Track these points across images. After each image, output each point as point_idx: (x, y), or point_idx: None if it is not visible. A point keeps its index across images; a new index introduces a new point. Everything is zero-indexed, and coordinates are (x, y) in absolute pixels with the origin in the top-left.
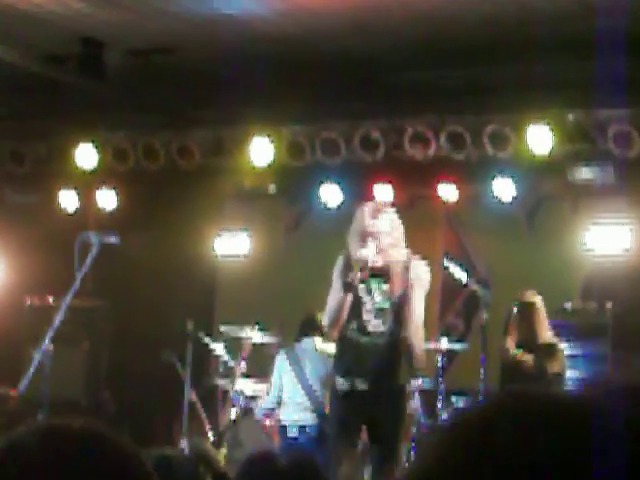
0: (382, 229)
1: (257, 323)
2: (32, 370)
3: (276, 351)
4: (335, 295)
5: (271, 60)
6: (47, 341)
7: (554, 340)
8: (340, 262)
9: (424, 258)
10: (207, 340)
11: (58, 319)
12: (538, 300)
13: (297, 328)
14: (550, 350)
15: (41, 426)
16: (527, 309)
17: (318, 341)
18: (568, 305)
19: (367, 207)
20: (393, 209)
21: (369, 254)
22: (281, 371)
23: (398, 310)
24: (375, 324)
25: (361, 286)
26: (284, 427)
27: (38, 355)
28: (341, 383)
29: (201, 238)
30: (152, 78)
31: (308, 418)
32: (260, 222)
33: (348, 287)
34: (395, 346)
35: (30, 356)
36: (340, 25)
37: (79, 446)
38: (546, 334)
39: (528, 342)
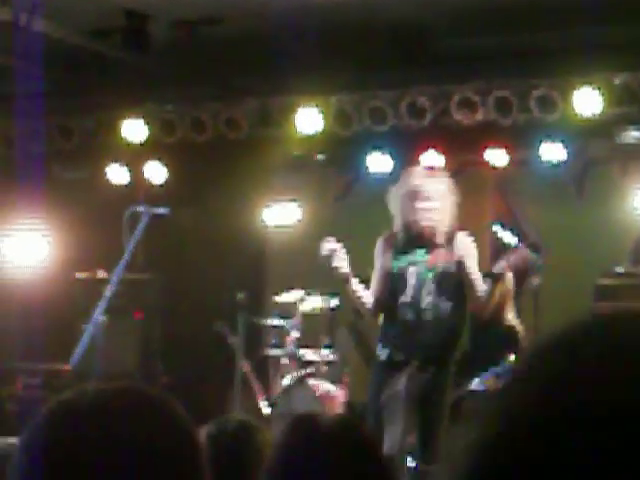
0: (433, 193)
1: (310, 293)
2: (84, 344)
3: (336, 324)
4: (376, 276)
5: (317, 29)
6: (99, 314)
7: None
8: (380, 242)
9: (474, 224)
10: (261, 311)
11: (109, 292)
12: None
13: None
14: None
15: (89, 389)
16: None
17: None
18: (619, 268)
19: (418, 168)
20: (446, 175)
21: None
22: (345, 346)
23: (441, 282)
24: (419, 297)
25: (407, 258)
26: (350, 404)
27: (90, 328)
28: (381, 352)
29: (250, 208)
30: (198, 49)
31: None
32: (309, 191)
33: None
34: (439, 320)
35: (82, 330)
36: None
37: (127, 405)
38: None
39: None
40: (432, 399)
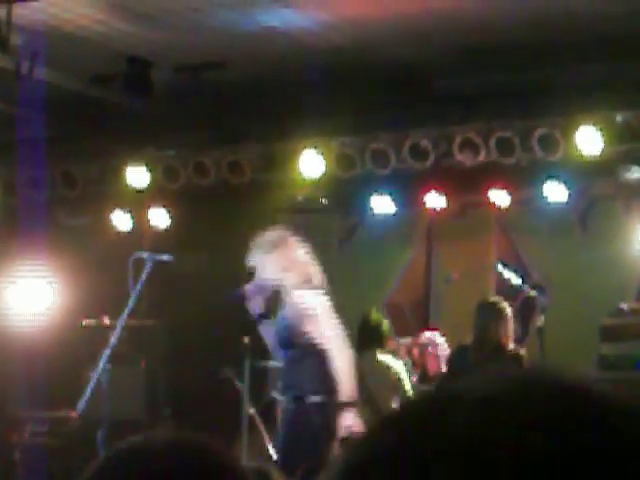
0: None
1: None
2: (90, 390)
3: None
4: None
5: (319, 72)
6: (104, 361)
7: None
8: None
9: (477, 264)
10: (265, 354)
11: (114, 339)
12: None
13: (357, 337)
14: None
15: (133, 442)
16: None
17: (385, 357)
18: (624, 306)
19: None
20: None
21: None
22: None
23: None
24: None
25: None
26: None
27: (96, 375)
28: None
29: None
30: (200, 94)
31: None
32: (313, 234)
33: None
34: None
35: (88, 377)
36: (385, 35)
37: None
38: None
39: None
40: None
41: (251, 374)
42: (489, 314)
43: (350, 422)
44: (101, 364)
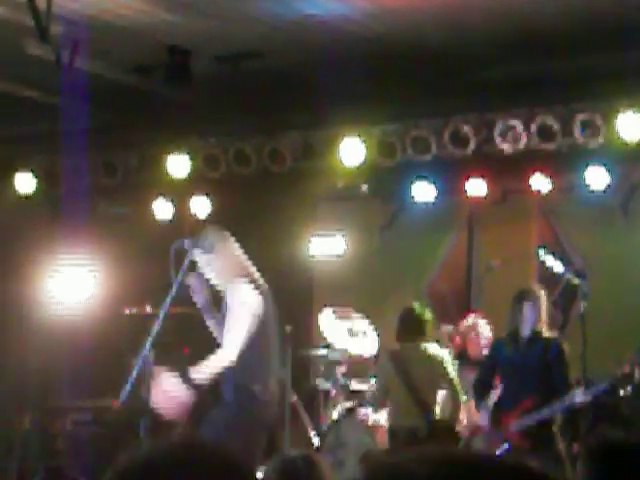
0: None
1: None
2: (133, 380)
3: (379, 352)
4: None
5: (359, 60)
6: (147, 349)
7: None
8: None
9: (519, 250)
10: (307, 342)
11: (157, 327)
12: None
13: (398, 328)
14: None
15: (160, 445)
16: None
17: (430, 347)
18: None
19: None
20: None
21: None
22: (387, 373)
23: None
24: None
25: None
26: (392, 430)
27: (138, 364)
28: None
29: (296, 241)
30: (241, 84)
31: (417, 422)
32: (354, 222)
33: None
34: None
35: (130, 366)
36: (426, 22)
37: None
38: None
39: None
40: None
41: (293, 362)
42: (521, 302)
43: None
44: (143, 353)
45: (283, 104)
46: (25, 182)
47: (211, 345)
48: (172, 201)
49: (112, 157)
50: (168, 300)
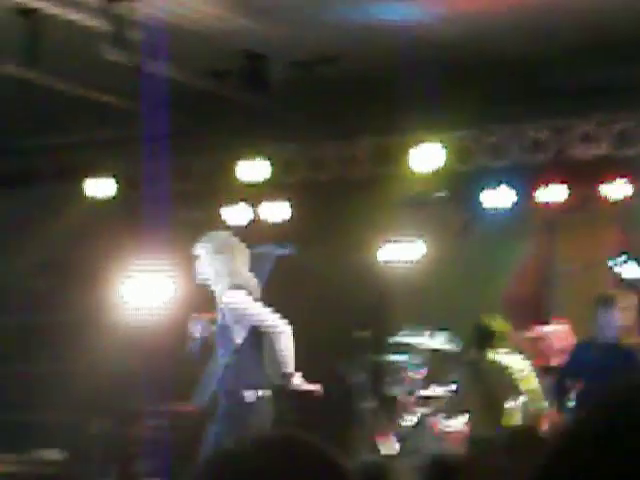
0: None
1: (439, 330)
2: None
3: (457, 360)
4: None
5: (434, 65)
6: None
7: None
8: None
9: (595, 258)
10: (384, 349)
11: None
12: None
13: (473, 337)
14: None
15: (248, 438)
16: None
17: (505, 356)
18: None
19: None
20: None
21: None
22: (465, 383)
23: None
24: None
25: None
26: (472, 440)
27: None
28: None
29: (372, 246)
30: (316, 89)
31: (496, 431)
32: (430, 228)
33: None
34: None
35: (207, 371)
36: (502, 27)
37: (288, 455)
38: None
39: None
40: None
41: (368, 368)
42: (600, 307)
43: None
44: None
45: (359, 109)
46: (103, 187)
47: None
48: (247, 206)
49: (189, 162)
50: None
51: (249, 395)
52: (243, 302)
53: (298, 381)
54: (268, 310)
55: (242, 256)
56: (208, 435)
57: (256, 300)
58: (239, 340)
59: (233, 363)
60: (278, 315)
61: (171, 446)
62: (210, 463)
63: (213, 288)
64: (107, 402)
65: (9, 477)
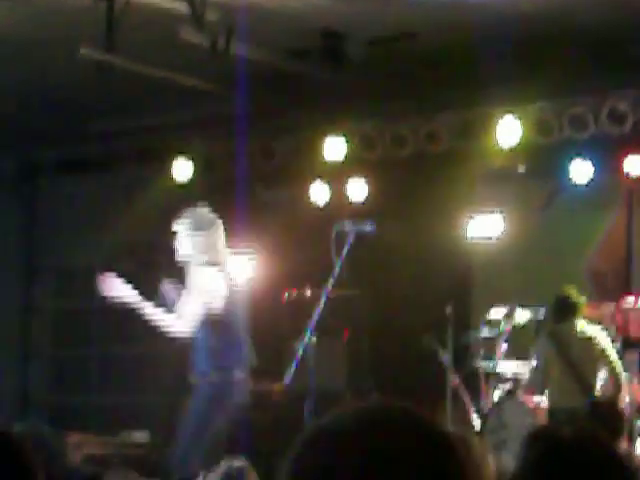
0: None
1: (518, 305)
2: (296, 362)
3: (538, 333)
4: None
5: (514, 38)
6: (309, 333)
7: None
8: None
9: None
10: (467, 324)
11: (318, 310)
12: None
13: (555, 308)
14: None
15: (347, 410)
16: None
17: (587, 327)
18: None
19: None
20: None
21: None
22: (546, 355)
23: None
24: None
25: None
26: (552, 411)
27: (301, 347)
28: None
29: (453, 221)
30: (395, 65)
31: (577, 402)
32: (512, 202)
33: None
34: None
35: (292, 349)
36: None
37: (394, 426)
38: None
39: None
40: None
41: (453, 343)
42: None
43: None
44: (306, 336)
45: (438, 85)
46: (183, 168)
47: (371, 327)
48: (329, 184)
49: (269, 142)
50: (330, 283)
51: (234, 371)
52: (210, 281)
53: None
54: (221, 296)
55: (220, 232)
56: (192, 408)
57: (229, 277)
58: (212, 317)
59: (216, 342)
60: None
61: (256, 426)
62: (311, 439)
63: (191, 263)
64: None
65: (96, 459)
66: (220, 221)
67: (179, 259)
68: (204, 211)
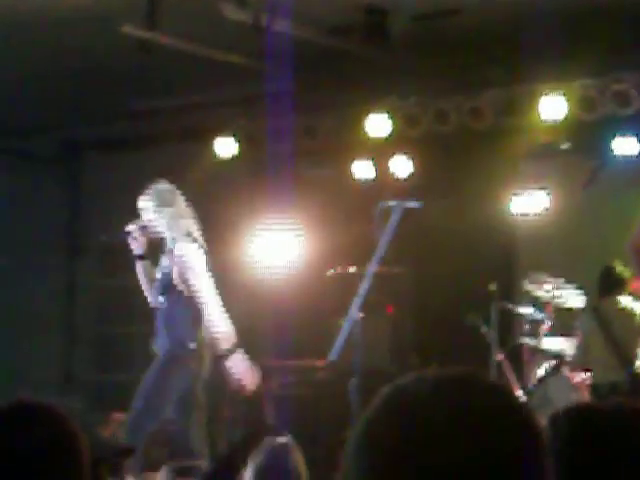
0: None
1: (565, 281)
2: (342, 339)
3: (582, 309)
4: None
5: (558, 14)
6: (355, 310)
7: None
8: None
9: None
10: (511, 301)
11: (364, 287)
12: None
13: (600, 283)
14: None
15: (429, 374)
16: None
17: (623, 299)
18: None
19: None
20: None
21: None
22: (588, 330)
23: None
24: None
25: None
26: (594, 386)
27: (347, 324)
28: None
29: (497, 199)
30: (438, 42)
31: (619, 377)
32: (556, 179)
33: None
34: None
35: (336, 326)
36: None
37: (467, 392)
38: None
39: None
40: None
41: (498, 320)
42: None
43: (235, 368)
44: (351, 313)
45: (482, 61)
46: (227, 146)
47: (415, 304)
48: (372, 161)
49: (312, 119)
50: (375, 260)
51: (191, 342)
52: (192, 259)
53: (235, 361)
54: (205, 278)
55: (184, 206)
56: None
57: (204, 250)
58: (180, 288)
59: (175, 310)
60: (211, 284)
61: (299, 403)
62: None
63: (163, 235)
64: None
65: None
66: (179, 192)
67: (152, 235)
68: (166, 186)
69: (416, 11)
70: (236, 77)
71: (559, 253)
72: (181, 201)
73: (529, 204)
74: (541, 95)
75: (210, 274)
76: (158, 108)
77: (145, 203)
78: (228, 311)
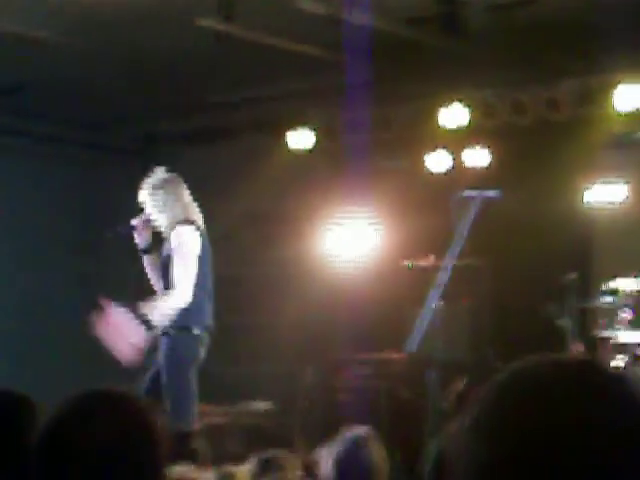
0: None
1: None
2: (421, 330)
3: None
4: None
5: (633, 3)
6: (434, 301)
7: None
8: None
9: None
10: (590, 292)
11: (444, 278)
12: None
13: None
14: None
15: (544, 359)
16: None
17: None
18: None
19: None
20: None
21: None
22: None
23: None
24: None
25: None
26: None
27: (424, 316)
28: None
29: (575, 189)
30: (515, 32)
31: None
32: (634, 169)
33: None
34: None
35: (413, 317)
36: None
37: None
38: None
39: None
40: None
41: (575, 312)
42: None
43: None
44: (430, 304)
45: (559, 51)
46: (303, 137)
47: (493, 295)
48: (449, 152)
49: (387, 110)
50: (455, 251)
51: (196, 329)
52: (188, 241)
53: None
54: (191, 262)
55: (182, 188)
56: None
57: (202, 233)
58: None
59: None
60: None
61: (376, 394)
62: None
63: (159, 223)
64: (313, 352)
65: (215, 428)
66: (180, 178)
67: (153, 225)
68: (159, 171)
69: (492, 1)
70: (312, 69)
71: (636, 244)
72: (179, 186)
73: (607, 195)
74: (617, 85)
75: (208, 257)
76: (234, 100)
77: (142, 194)
78: (306, 304)
